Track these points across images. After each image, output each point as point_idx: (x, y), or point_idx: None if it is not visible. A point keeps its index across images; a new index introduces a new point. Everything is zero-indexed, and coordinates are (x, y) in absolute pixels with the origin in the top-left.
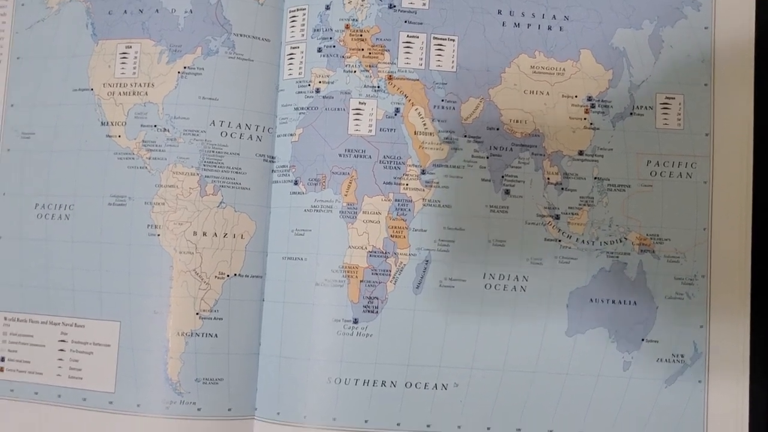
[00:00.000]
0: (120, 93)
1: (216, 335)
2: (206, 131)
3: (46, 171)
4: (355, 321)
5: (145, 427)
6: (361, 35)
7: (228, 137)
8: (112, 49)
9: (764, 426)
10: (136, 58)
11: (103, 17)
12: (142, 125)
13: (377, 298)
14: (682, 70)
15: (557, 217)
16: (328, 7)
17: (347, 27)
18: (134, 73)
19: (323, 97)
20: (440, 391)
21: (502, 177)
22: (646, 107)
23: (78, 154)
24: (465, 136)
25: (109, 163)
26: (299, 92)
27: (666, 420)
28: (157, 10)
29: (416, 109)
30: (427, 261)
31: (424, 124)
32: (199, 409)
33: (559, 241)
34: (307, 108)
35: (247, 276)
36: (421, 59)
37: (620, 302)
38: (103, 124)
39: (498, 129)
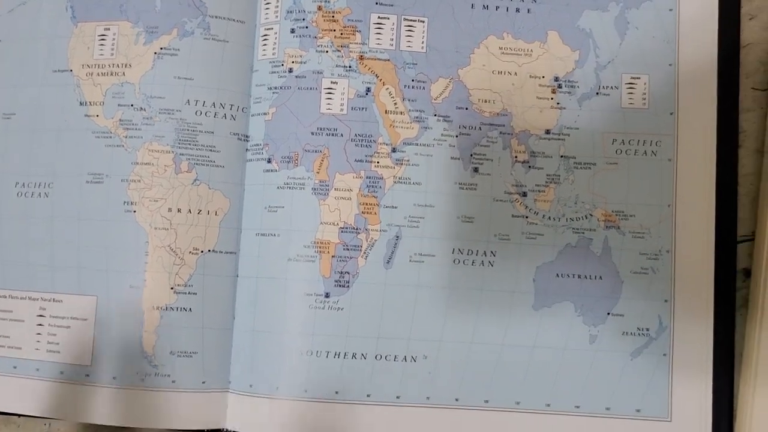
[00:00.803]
0: (98, 74)
1: (190, 309)
2: (181, 110)
3: (26, 150)
4: (327, 295)
5: (120, 399)
6: (333, 16)
7: (203, 116)
8: (91, 31)
9: (728, 397)
10: (114, 39)
11: (82, 0)
12: (119, 105)
13: (348, 273)
14: (647, 51)
15: (524, 195)
16: None
17: (320, 8)
18: (112, 54)
19: (296, 76)
20: (409, 363)
21: (471, 155)
22: (611, 87)
23: (57, 134)
24: (435, 115)
25: (87, 141)
26: (273, 72)
27: (631, 392)
28: None
29: (387, 89)
30: (397, 237)
31: (395, 104)
32: (173, 382)
33: (526, 217)
34: (281, 87)
35: (221, 252)
36: (392, 40)
37: (586, 277)
38: (81, 104)
39: (467, 108)
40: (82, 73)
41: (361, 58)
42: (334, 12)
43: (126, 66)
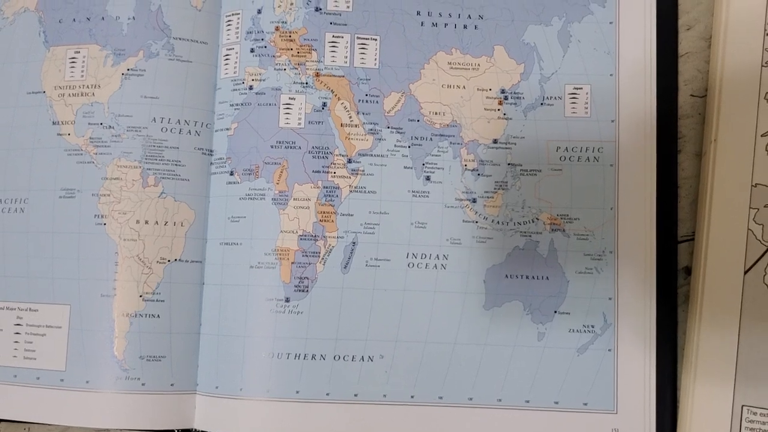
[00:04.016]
0: (69, 94)
1: (158, 316)
2: (148, 127)
3: (2, 169)
4: (287, 300)
5: (93, 401)
6: (290, 36)
7: (168, 132)
8: (62, 55)
9: (670, 390)
10: (84, 62)
11: (54, 25)
12: (89, 123)
13: (307, 278)
14: (589, 62)
15: (474, 201)
16: (260, 11)
17: (277, 29)
18: (82, 76)
19: (256, 93)
20: (367, 362)
21: (423, 164)
22: (555, 97)
23: (32, 152)
24: (388, 127)
25: (59, 159)
26: (234, 90)
27: (578, 386)
28: (102, 18)
29: (342, 103)
30: (354, 243)
31: (350, 117)
32: (143, 385)
33: (476, 222)
34: (242, 104)
35: (187, 261)
36: (346, 57)
37: (533, 277)
38: (54, 123)
39: (418, 120)
40: (55, 94)
41: (317, 74)
42: (290, 32)
43: (95, 87)
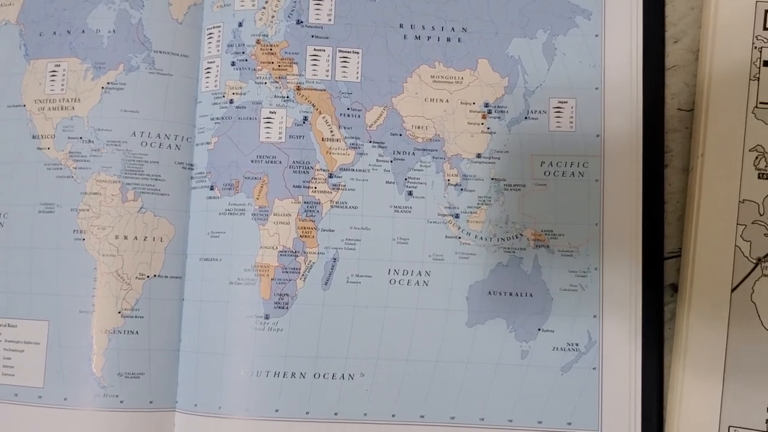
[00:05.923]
0: (49, 108)
1: (137, 332)
2: (128, 142)
3: None
4: (267, 317)
5: (71, 419)
6: (271, 49)
7: (148, 147)
8: (42, 68)
9: (656, 409)
10: (64, 75)
11: (34, 38)
12: (69, 137)
13: (287, 295)
14: (574, 76)
15: (457, 216)
16: (241, 24)
17: (258, 42)
18: (62, 90)
19: (236, 107)
20: (347, 381)
21: (405, 179)
22: (540, 111)
23: (11, 166)
24: (370, 141)
25: (39, 173)
26: (215, 103)
27: (563, 405)
28: (83, 31)
29: (323, 117)
30: (335, 259)
31: (331, 131)
32: (121, 402)
33: (459, 238)
34: (222, 118)
35: (166, 276)
36: (328, 71)
37: (517, 294)
38: (34, 137)
39: (401, 135)
40: (35, 108)
41: (298, 88)
42: (271, 45)
43: (75, 100)
